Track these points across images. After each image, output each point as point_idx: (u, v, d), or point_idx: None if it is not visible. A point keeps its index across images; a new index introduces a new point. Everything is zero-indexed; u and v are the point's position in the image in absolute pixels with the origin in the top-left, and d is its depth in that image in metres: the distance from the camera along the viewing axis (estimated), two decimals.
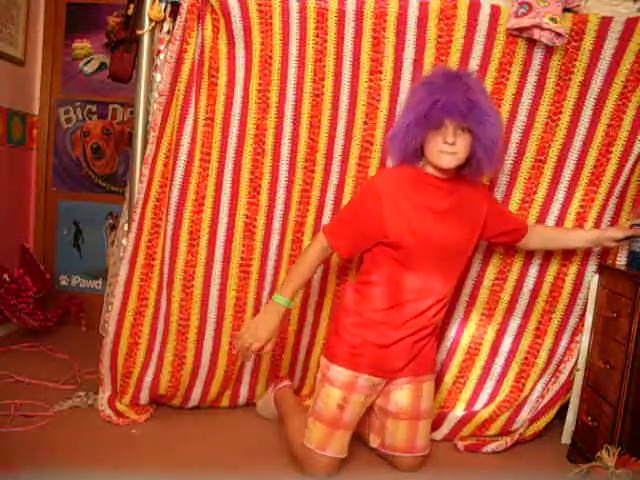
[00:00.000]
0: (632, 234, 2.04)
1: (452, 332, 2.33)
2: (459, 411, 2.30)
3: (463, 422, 2.28)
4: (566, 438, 2.26)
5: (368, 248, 1.96)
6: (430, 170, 1.92)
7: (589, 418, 2.09)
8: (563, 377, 2.22)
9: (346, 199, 2.21)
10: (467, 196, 1.97)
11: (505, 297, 2.28)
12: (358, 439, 2.09)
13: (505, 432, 2.25)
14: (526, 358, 2.29)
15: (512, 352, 2.29)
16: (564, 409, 2.27)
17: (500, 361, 2.31)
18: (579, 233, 2.14)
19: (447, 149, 1.83)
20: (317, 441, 1.93)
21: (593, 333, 2.18)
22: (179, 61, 2.17)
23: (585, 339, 2.21)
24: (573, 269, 2.22)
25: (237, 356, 2.32)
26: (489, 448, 2.20)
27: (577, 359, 2.22)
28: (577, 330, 2.24)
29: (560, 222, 2.20)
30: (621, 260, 2.21)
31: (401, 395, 1.99)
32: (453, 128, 1.82)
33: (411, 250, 1.89)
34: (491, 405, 2.29)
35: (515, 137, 2.16)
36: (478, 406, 2.31)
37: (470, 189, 1.99)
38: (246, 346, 1.90)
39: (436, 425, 2.26)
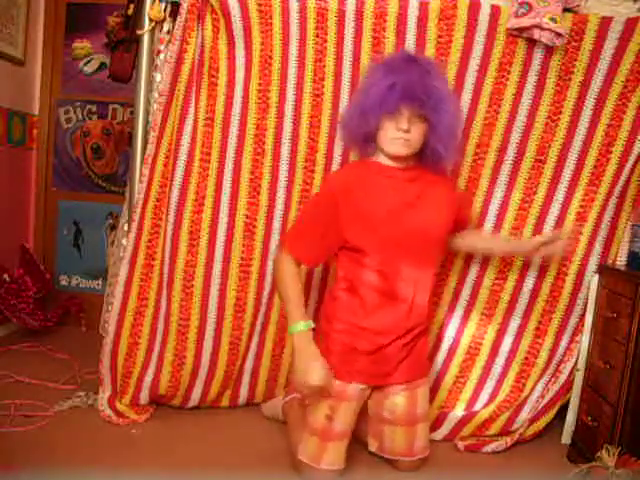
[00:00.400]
0: (546, 240, 1.99)
1: (452, 332, 2.33)
2: (459, 411, 2.30)
3: (463, 422, 2.28)
4: (566, 438, 2.26)
5: (334, 252, 1.91)
6: (385, 161, 1.89)
7: (589, 418, 2.09)
8: (563, 377, 2.22)
9: None
10: (431, 183, 1.93)
11: (505, 297, 2.28)
12: (356, 441, 2.09)
13: (505, 432, 2.25)
14: (526, 358, 2.29)
15: (512, 352, 2.29)
16: (564, 409, 2.27)
17: (500, 361, 2.30)
18: (501, 243, 2.14)
19: (400, 135, 1.79)
20: (311, 455, 1.90)
21: (593, 333, 2.18)
22: (179, 61, 2.17)
23: (585, 339, 2.21)
24: (573, 269, 2.21)
25: (237, 356, 2.32)
26: (489, 448, 2.20)
27: (577, 359, 2.22)
28: (577, 330, 2.24)
29: (560, 222, 2.20)
30: (621, 260, 2.21)
31: (396, 402, 1.97)
32: (408, 115, 1.77)
33: (380, 250, 1.85)
34: (491, 405, 2.29)
35: (515, 137, 2.16)
36: (478, 406, 2.31)
37: (433, 176, 1.94)
38: (313, 391, 1.83)
39: (436, 425, 2.26)
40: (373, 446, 2.06)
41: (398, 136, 1.80)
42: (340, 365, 1.90)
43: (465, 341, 2.32)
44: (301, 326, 1.83)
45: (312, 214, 1.91)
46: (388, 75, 1.76)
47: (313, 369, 1.80)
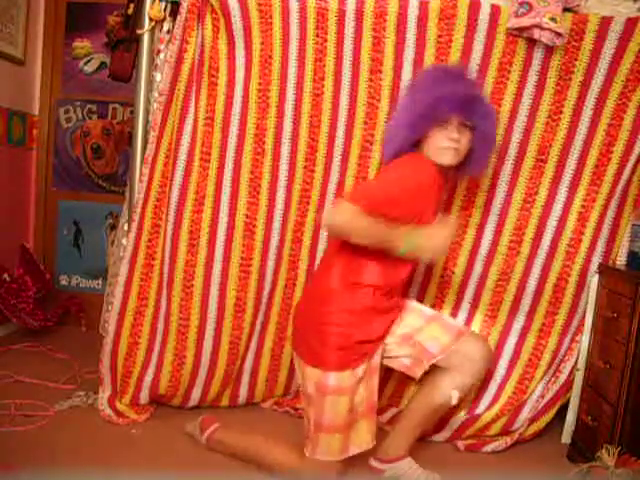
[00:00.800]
0: None
1: None
2: (462, 414, 2.29)
3: (466, 425, 2.27)
4: (566, 438, 2.26)
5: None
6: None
7: (589, 418, 2.09)
8: (563, 377, 2.22)
9: None
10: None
11: (508, 298, 2.27)
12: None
13: (505, 432, 2.25)
14: (530, 359, 2.28)
15: (516, 353, 2.29)
16: (564, 409, 2.27)
17: (504, 362, 2.30)
18: None
19: (451, 145, 1.81)
20: (338, 450, 1.83)
21: (593, 333, 2.18)
22: (179, 61, 2.17)
23: (585, 339, 2.21)
24: (576, 269, 2.21)
25: (237, 355, 2.32)
26: (489, 448, 2.20)
27: (577, 359, 2.22)
28: (578, 330, 2.24)
29: (562, 222, 2.20)
30: (621, 260, 2.21)
31: (405, 321, 1.95)
32: (457, 124, 1.81)
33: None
34: (494, 408, 2.28)
35: (516, 137, 2.16)
36: (481, 408, 2.30)
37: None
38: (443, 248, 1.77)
39: (438, 428, 2.26)
40: (421, 370, 1.96)
41: (448, 145, 1.81)
42: (345, 356, 1.82)
43: None
44: (408, 242, 1.72)
45: (407, 180, 1.80)
46: (438, 86, 1.80)
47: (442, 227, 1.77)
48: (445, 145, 1.81)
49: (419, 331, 1.94)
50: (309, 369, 1.84)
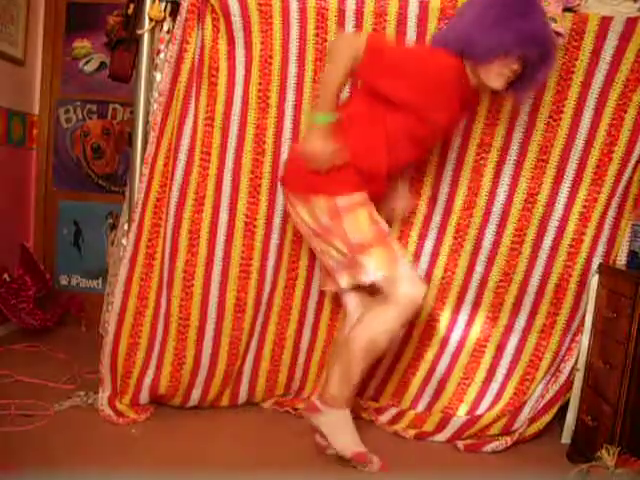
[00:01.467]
0: None
1: (457, 334, 2.32)
2: (462, 415, 2.29)
3: (466, 426, 2.26)
4: (566, 438, 2.26)
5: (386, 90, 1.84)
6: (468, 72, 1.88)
7: (589, 418, 2.09)
8: (563, 377, 2.22)
9: None
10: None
11: (510, 298, 2.27)
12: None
13: (505, 432, 2.25)
14: (531, 360, 2.28)
15: (517, 354, 2.29)
16: (564, 409, 2.27)
17: (505, 363, 2.30)
18: None
19: (508, 74, 1.83)
20: (387, 262, 1.86)
21: (593, 333, 2.18)
22: (179, 61, 2.17)
23: (585, 339, 2.20)
24: (577, 269, 2.21)
25: (237, 355, 2.31)
26: (489, 448, 2.20)
27: (577, 359, 2.22)
28: (578, 330, 2.24)
29: (563, 222, 2.20)
30: (621, 260, 2.21)
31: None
32: (519, 55, 1.80)
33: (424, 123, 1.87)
34: (495, 408, 2.28)
35: (517, 137, 2.16)
36: (482, 409, 2.30)
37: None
38: (316, 158, 1.84)
39: (439, 428, 2.26)
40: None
41: (506, 73, 1.83)
42: (354, 177, 1.88)
43: (470, 343, 2.31)
44: (323, 117, 1.81)
45: (417, 66, 1.84)
46: (526, 18, 1.78)
47: (316, 146, 1.83)
48: (503, 72, 1.82)
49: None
50: (316, 200, 1.89)
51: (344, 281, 1.93)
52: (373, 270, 1.86)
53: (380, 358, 2.37)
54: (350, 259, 1.88)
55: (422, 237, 2.28)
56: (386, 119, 1.86)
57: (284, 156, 2.19)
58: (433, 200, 2.24)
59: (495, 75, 1.84)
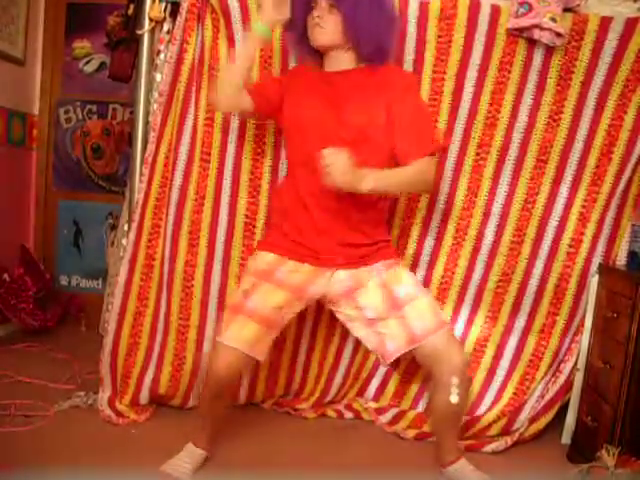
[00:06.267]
0: None
1: (457, 334, 2.30)
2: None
3: (467, 426, 2.25)
4: (566, 438, 2.26)
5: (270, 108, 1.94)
6: (327, 68, 1.90)
7: (589, 418, 2.09)
8: (563, 377, 2.22)
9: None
10: (371, 85, 1.86)
11: (509, 299, 2.27)
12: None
13: (505, 432, 2.25)
14: (531, 360, 2.27)
15: (517, 354, 2.28)
16: (564, 409, 2.27)
17: (505, 363, 2.29)
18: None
19: (315, 21, 1.82)
20: (221, 329, 1.88)
21: (593, 333, 2.18)
22: (179, 61, 2.17)
23: (585, 339, 2.20)
24: (577, 269, 2.21)
25: None
26: (489, 448, 2.20)
27: (577, 359, 2.22)
28: (578, 330, 2.24)
29: (563, 223, 2.20)
30: (621, 260, 2.21)
31: (368, 296, 1.91)
32: (324, 5, 1.81)
33: (301, 137, 1.88)
34: (495, 409, 2.27)
35: (517, 137, 2.15)
36: (482, 409, 2.29)
37: (380, 78, 1.87)
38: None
39: None
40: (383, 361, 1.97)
41: (313, 23, 1.83)
42: (278, 239, 1.93)
43: (470, 343, 2.31)
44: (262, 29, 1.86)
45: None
46: None
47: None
48: (311, 22, 1.83)
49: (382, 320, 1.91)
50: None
51: None
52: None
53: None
54: None
55: (422, 237, 2.28)
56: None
57: (284, 155, 2.19)
58: (433, 200, 2.24)
59: (309, 30, 1.84)
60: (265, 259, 1.93)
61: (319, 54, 1.91)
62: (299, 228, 1.90)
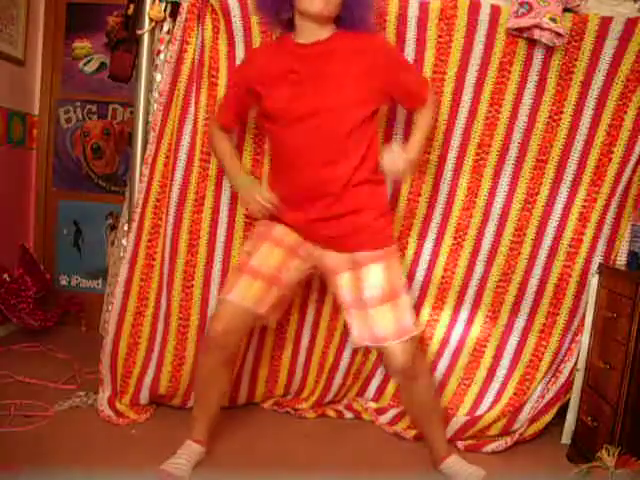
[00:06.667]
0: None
1: (457, 334, 2.31)
2: (462, 415, 2.29)
3: (467, 426, 2.26)
4: (566, 438, 2.26)
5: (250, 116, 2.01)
6: (298, 39, 1.84)
7: (589, 418, 2.09)
8: (563, 377, 2.22)
9: None
10: (347, 55, 1.82)
11: (509, 299, 2.26)
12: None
13: (505, 432, 2.25)
14: (531, 360, 2.27)
15: (517, 354, 2.28)
16: (564, 409, 2.27)
17: (505, 363, 2.29)
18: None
19: None
20: (226, 288, 1.92)
21: (593, 333, 2.18)
22: (179, 61, 2.17)
23: (585, 339, 2.20)
24: (577, 269, 2.21)
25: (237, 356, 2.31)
26: (489, 448, 2.20)
27: (577, 359, 2.22)
28: (578, 330, 2.24)
29: (563, 223, 2.20)
30: (621, 260, 2.21)
31: (342, 283, 1.92)
32: None
33: (281, 119, 1.84)
34: (495, 408, 2.27)
35: (517, 137, 2.15)
36: (482, 409, 2.29)
37: (353, 46, 1.83)
38: (257, 205, 1.91)
39: None
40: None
41: None
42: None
43: (470, 343, 2.31)
44: (247, 181, 2.01)
45: (229, 83, 2.08)
46: None
47: (257, 190, 1.94)
48: None
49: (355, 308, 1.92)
50: None
51: None
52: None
53: (380, 358, 2.39)
54: None
55: (422, 237, 2.28)
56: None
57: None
58: (433, 200, 2.24)
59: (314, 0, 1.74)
60: (264, 222, 1.98)
61: (291, 25, 1.85)
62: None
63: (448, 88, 2.12)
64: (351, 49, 1.82)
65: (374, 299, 1.87)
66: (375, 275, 1.88)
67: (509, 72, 2.11)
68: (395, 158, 1.79)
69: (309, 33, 1.82)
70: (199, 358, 2.05)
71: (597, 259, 2.20)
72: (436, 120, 2.10)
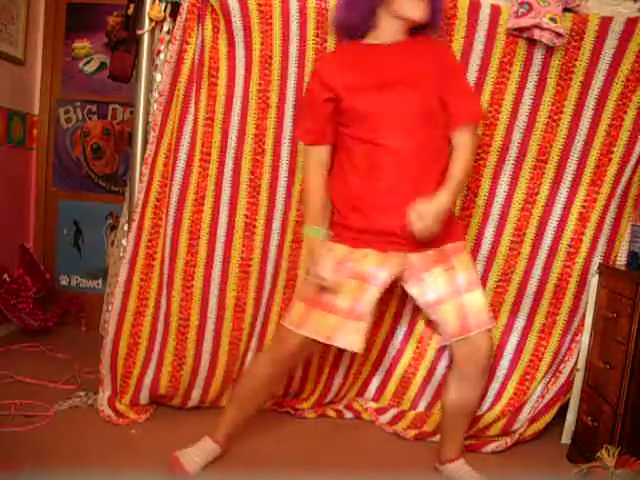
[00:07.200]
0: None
1: None
2: None
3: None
4: (566, 438, 2.26)
5: (333, 131, 1.88)
6: (373, 40, 1.87)
7: (589, 418, 2.09)
8: (563, 377, 2.22)
9: None
10: (419, 54, 1.86)
11: (509, 299, 2.26)
12: None
13: (505, 432, 2.25)
14: (531, 360, 2.27)
15: (517, 354, 2.28)
16: (564, 409, 2.27)
17: (505, 363, 2.29)
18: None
19: None
20: (295, 320, 1.87)
21: (593, 333, 2.18)
22: (179, 61, 2.17)
23: (585, 339, 2.20)
24: (577, 269, 2.21)
25: (237, 356, 2.31)
26: (489, 448, 2.20)
27: (577, 359, 2.22)
28: (578, 330, 2.24)
29: (563, 223, 2.20)
30: (621, 260, 2.21)
31: (434, 281, 1.89)
32: None
33: (372, 120, 1.81)
34: (495, 408, 2.27)
35: (516, 137, 2.15)
36: (482, 409, 2.28)
37: (424, 49, 1.88)
38: (322, 284, 1.82)
39: (439, 429, 2.24)
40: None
41: None
42: (343, 230, 1.88)
43: None
44: (311, 231, 1.90)
45: (307, 99, 1.94)
46: None
47: (325, 262, 1.83)
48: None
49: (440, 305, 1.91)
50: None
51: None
52: (288, 318, 1.90)
53: (380, 358, 2.39)
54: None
55: None
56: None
57: (284, 156, 2.19)
58: None
59: (410, 4, 1.78)
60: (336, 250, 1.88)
61: (364, 32, 1.87)
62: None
63: None
64: (426, 51, 1.87)
65: (469, 284, 1.90)
66: (466, 262, 1.94)
67: (509, 72, 2.11)
68: (423, 219, 1.74)
69: (391, 35, 1.85)
70: (259, 365, 1.99)
71: (597, 259, 2.20)
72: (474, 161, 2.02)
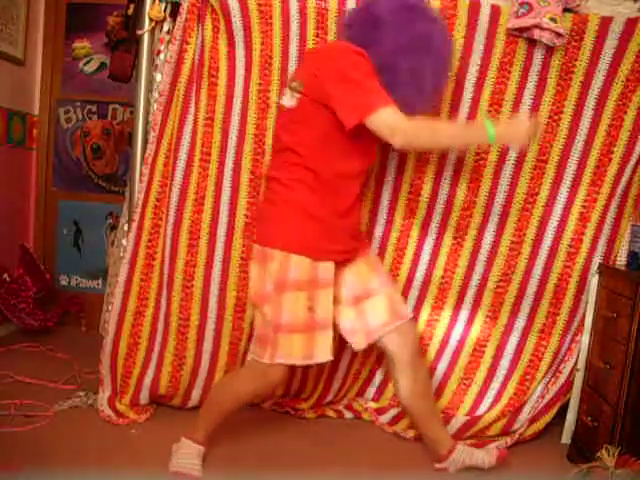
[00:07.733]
0: None
1: (457, 334, 2.31)
2: (462, 415, 2.29)
3: (467, 426, 2.26)
4: (566, 438, 2.26)
5: None
6: None
7: (589, 418, 2.09)
8: (563, 377, 2.22)
9: None
10: None
11: (509, 299, 2.27)
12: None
13: (505, 432, 2.25)
14: (531, 360, 2.27)
15: (517, 354, 2.28)
16: (564, 409, 2.27)
17: (505, 363, 2.29)
18: None
19: None
20: (301, 353, 1.81)
21: (593, 333, 2.18)
22: (179, 61, 2.17)
23: (585, 339, 2.21)
24: (577, 269, 2.21)
25: (237, 356, 2.31)
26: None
27: (577, 359, 2.22)
28: (578, 330, 2.24)
29: (563, 223, 2.20)
30: (621, 260, 2.21)
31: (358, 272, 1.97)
32: None
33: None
34: (495, 409, 2.27)
35: None
36: (482, 409, 2.30)
37: None
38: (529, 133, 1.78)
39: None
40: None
41: None
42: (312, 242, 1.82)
43: (470, 343, 2.31)
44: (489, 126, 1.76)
45: (363, 70, 1.73)
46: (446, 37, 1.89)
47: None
48: None
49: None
50: (275, 251, 1.79)
51: (265, 355, 1.83)
52: (283, 355, 1.80)
53: (379, 358, 2.39)
54: (271, 335, 1.81)
55: (422, 237, 2.28)
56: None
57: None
58: (433, 200, 2.24)
59: None
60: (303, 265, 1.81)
61: None
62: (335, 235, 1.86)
63: (448, 88, 2.12)
64: None
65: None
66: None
67: (509, 72, 2.11)
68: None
69: None
70: (245, 386, 1.92)
71: (597, 259, 2.20)
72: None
